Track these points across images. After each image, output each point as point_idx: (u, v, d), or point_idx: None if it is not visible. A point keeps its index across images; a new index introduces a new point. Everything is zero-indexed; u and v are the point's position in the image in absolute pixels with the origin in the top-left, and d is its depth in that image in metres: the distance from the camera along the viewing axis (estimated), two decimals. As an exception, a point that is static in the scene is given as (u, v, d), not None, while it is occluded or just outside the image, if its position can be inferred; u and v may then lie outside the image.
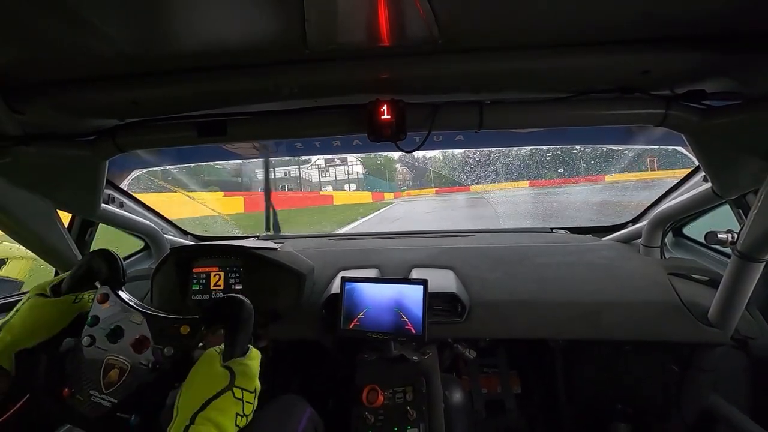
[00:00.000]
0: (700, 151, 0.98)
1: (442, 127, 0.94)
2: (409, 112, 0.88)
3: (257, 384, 0.70)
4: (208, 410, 0.61)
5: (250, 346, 0.72)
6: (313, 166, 20.02)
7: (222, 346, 0.70)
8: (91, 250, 1.49)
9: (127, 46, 0.65)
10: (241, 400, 0.66)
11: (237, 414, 0.64)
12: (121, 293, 0.79)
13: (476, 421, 1.37)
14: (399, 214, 14.73)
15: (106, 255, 0.82)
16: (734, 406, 1.19)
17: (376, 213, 14.39)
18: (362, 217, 12.16)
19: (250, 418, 0.68)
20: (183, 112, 0.93)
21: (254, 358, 0.71)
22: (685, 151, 1.33)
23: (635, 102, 0.87)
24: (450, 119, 0.93)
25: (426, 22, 0.60)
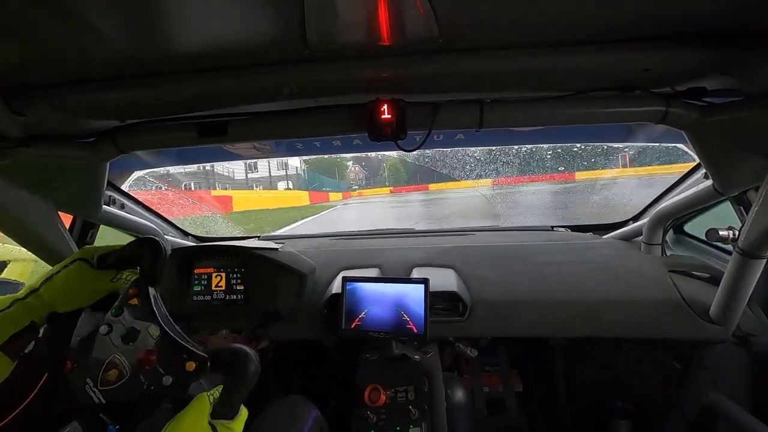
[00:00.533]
0: (701, 149, 0.98)
1: (443, 126, 0.94)
2: (409, 111, 0.88)
3: None
4: None
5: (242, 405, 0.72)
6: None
7: (216, 391, 0.70)
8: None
9: (127, 47, 0.65)
10: None
11: None
12: (151, 294, 0.77)
13: (478, 420, 1.37)
14: (333, 223, 11.78)
15: (153, 246, 0.79)
16: (735, 403, 1.19)
17: (288, 227, 9.71)
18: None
19: None
20: (183, 113, 0.93)
21: (242, 421, 0.72)
22: (685, 148, 1.33)
23: (636, 100, 0.87)
24: (450, 118, 0.93)
25: (426, 22, 0.60)
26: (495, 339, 1.45)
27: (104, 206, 1.30)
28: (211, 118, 0.95)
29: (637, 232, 1.57)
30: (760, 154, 0.87)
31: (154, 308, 0.75)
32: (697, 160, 1.26)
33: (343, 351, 1.48)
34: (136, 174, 1.58)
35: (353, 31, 0.65)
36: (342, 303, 1.25)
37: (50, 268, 0.85)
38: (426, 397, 1.21)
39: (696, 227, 1.59)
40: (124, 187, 1.55)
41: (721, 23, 0.64)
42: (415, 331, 1.18)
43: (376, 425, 1.16)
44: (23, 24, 0.55)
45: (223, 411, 0.68)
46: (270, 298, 1.32)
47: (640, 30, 0.67)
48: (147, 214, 1.67)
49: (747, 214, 0.95)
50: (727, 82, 0.79)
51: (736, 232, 0.97)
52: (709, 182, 1.11)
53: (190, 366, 0.70)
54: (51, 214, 1.12)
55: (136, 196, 1.61)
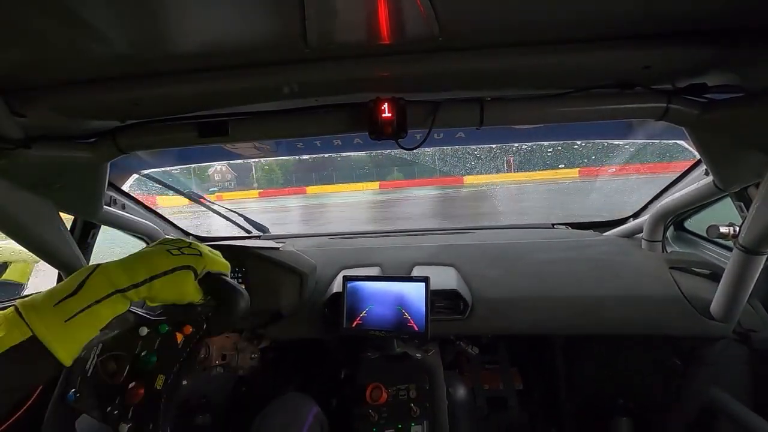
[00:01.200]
0: (702, 145, 0.98)
1: (443, 124, 0.94)
2: (409, 110, 0.88)
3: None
4: None
5: None
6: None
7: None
8: (91, 254, 1.50)
9: (127, 47, 0.65)
10: None
11: None
12: (198, 344, 0.80)
13: (479, 418, 1.37)
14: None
15: (246, 300, 0.78)
16: (736, 400, 1.19)
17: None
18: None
19: None
20: (184, 113, 0.93)
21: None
22: (686, 145, 1.33)
23: (636, 97, 0.87)
24: (451, 116, 0.93)
25: (426, 20, 0.60)
26: (496, 337, 1.45)
27: (105, 207, 1.30)
28: (212, 118, 0.95)
29: (638, 229, 1.57)
30: (761, 150, 0.87)
31: (183, 356, 0.77)
32: (698, 157, 1.26)
33: (344, 350, 1.48)
34: (137, 174, 1.58)
35: (353, 30, 0.65)
36: (343, 302, 1.25)
37: (51, 269, 0.84)
38: (427, 395, 1.21)
39: (696, 224, 1.59)
40: (125, 187, 1.55)
41: (721, 20, 0.64)
42: (416, 329, 1.18)
43: (377, 423, 1.16)
44: (23, 25, 0.55)
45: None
46: (271, 297, 1.32)
47: (641, 27, 0.67)
48: (148, 215, 1.68)
49: (748, 210, 0.95)
50: (728, 79, 0.78)
51: (737, 229, 0.97)
52: (709, 179, 1.11)
53: (187, 329, 0.76)
54: (52, 214, 1.12)
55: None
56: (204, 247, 0.75)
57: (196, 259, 0.72)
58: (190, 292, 0.70)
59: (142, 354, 0.75)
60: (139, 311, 0.78)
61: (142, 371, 0.73)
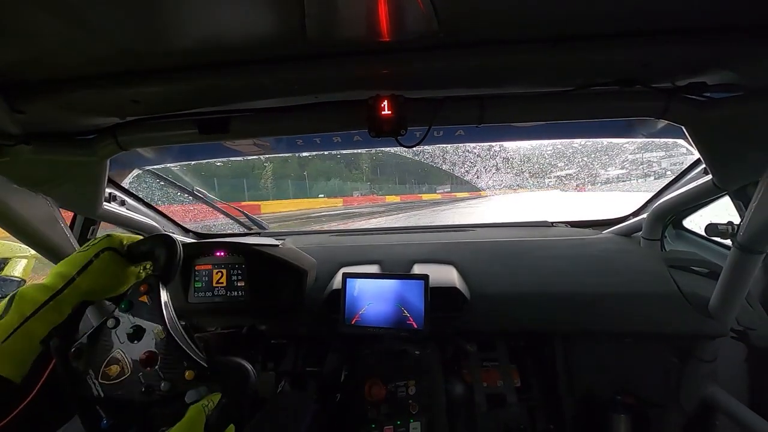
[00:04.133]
0: (701, 143, 0.99)
1: (443, 122, 0.94)
2: (409, 107, 0.88)
3: None
4: None
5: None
6: None
7: (211, 401, 0.69)
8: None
9: (126, 44, 0.65)
10: None
11: None
12: (162, 294, 0.77)
13: (477, 414, 1.38)
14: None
15: (169, 244, 0.79)
16: (733, 397, 1.20)
17: None
18: None
19: None
20: (184, 110, 0.93)
21: None
22: (685, 144, 1.33)
23: (636, 95, 0.87)
24: (451, 114, 0.93)
25: (426, 17, 0.60)
26: (494, 334, 1.46)
27: (105, 203, 1.30)
28: (212, 114, 0.95)
29: (637, 228, 1.58)
30: (760, 149, 0.88)
31: (163, 309, 0.75)
32: (697, 155, 1.26)
33: (343, 346, 1.49)
34: (137, 171, 1.58)
35: (353, 26, 0.65)
36: (342, 299, 1.25)
37: (52, 264, 0.85)
38: (426, 392, 1.22)
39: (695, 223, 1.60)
40: (125, 183, 1.55)
41: (721, 18, 0.64)
42: (415, 326, 1.18)
43: (376, 419, 1.17)
44: (22, 22, 0.55)
45: (217, 426, 0.68)
46: (271, 294, 1.32)
47: (641, 24, 0.67)
48: (148, 211, 1.68)
49: (746, 209, 0.95)
50: (727, 77, 0.79)
51: (735, 227, 0.98)
52: (708, 177, 1.12)
53: (189, 375, 0.70)
54: (52, 211, 1.12)
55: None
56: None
57: (106, 241, 0.77)
58: (118, 272, 0.76)
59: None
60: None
61: None
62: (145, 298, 0.75)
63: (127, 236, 0.82)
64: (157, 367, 0.71)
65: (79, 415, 0.72)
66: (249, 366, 0.75)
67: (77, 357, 0.72)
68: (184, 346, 0.72)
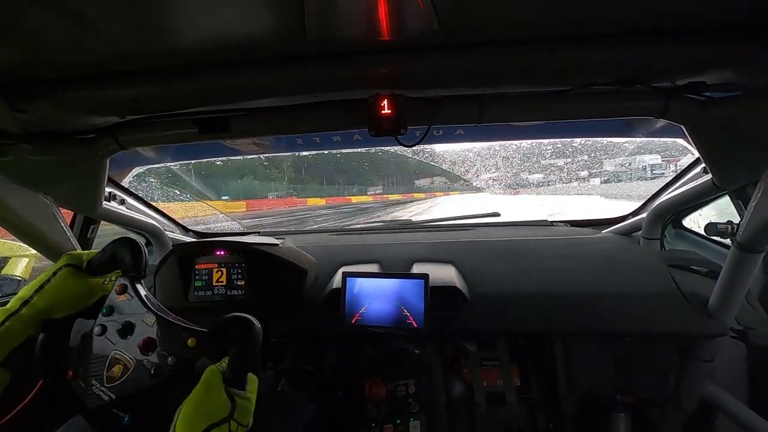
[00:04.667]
0: (700, 143, 0.99)
1: (443, 121, 0.94)
2: (409, 106, 0.88)
3: (251, 421, 0.70)
4: None
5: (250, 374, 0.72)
6: None
7: (224, 362, 0.70)
8: (92, 247, 1.51)
9: (126, 44, 0.65)
10: None
11: None
12: (139, 288, 0.78)
13: (477, 413, 1.38)
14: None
15: (131, 245, 0.80)
16: (733, 396, 1.20)
17: None
18: None
19: None
20: (184, 109, 0.93)
21: (254, 391, 0.71)
22: (685, 143, 1.33)
23: (636, 94, 0.87)
24: (450, 113, 0.93)
25: (426, 16, 0.60)
26: (494, 333, 1.46)
27: (104, 202, 1.30)
28: (212, 114, 0.95)
29: (636, 227, 1.58)
30: (760, 148, 0.88)
31: (146, 300, 0.76)
32: (697, 155, 1.26)
33: (343, 345, 1.49)
34: (136, 170, 1.58)
35: (353, 25, 0.65)
36: (342, 298, 1.25)
37: (52, 263, 0.86)
38: (426, 391, 1.22)
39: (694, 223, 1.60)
40: (125, 183, 1.55)
41: (721, 17, 0.64)
42: (415, 325, 1.18)
43: (376, 418, 1.17)
44: (23, 21, 0.55)
45: (235, 377, 0.68)
46: (271, 293, 1.33)
47: (641, 24, 0.67)
48: (147, 210, 1.68)
49: (746, 208, 0.95)
50: (727, 77, 0.79)
51: (735, 227, 0.98)
52: (708, 177, 1.12)
53: (192, 342, 0.71)
54: (52, 210, 1.12)
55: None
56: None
57: (65, 258, 0.81)
58: (79, 286, 0.79)
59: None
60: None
61: None
62: (124, 297, 0.77)
63: (88, 252, 0.84)
64: (158, 348, 0.72)
65: (95, 425, 0.73)
66: (248, 316, 0.74)
67: (74, 377, 0.72)
68: (177, 322, 0.74)
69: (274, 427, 1.04)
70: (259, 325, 0.74)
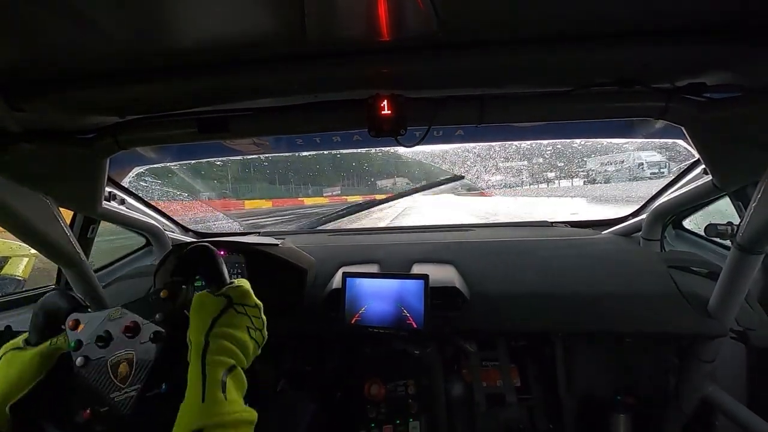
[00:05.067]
0: (700, 144, 0.99)
1: (443, 121, 0.94)
2: (409, 106, 0.88)
3: (257, 301, 0.74)
4: (217, 328, 0.64)
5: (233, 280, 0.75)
6: None
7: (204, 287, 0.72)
8: (91, 249, 1.50)
9: (126, 43, 0.65)
10: (246, 314, 0.69)
11: (248, 327, 0.68)
12: (89, 312, 0.77)
13: (477, 414, 1.38)
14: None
15: (59, 294, 0.80)
16: (732, 397, 1.20)
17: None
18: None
19: (265, 333, 0.75)
20: (184, 109, 0.93)
21: (242, 282, 0.75)
22: (684, 144, 1.33)
23: (635, 95, 0.87)
24: (450, 114, 0.93)
25: (426, 16, 0.60)
26: (494, 334, 1.46)
27: (104, 202, 1.30)
28: (212, 114, 0.95)
29: (637, 228, 1.58)
30: (760, 149, 0.88)
31: (99, 309, 0.77)
32: (697, 156, 1.26)
33: (343, 346, 1.49)
34: (136, 170, 1.58)
35: (353, 26, 0.65)
36: (342, 298, 1.25)
37: (51, 264, 0.84)
38: (425, 391, 1.22)
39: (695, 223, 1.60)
40: (125, 182, 1.55)
41: (720, 18, 0.64)
42: (415, 326, 1.18)
43: (376, 419, 1.17)
44: (23, 20, 0.55)
45: (217, 286, 0.72)
46: (271, 293, 1.32)
47: (641, 25, 0.67)
48: (147, 210, 1.68)
49: (746, 209, 0.95)
50: (727, 78, 0.79)
51: (735, 228, 0.98)
52: (708, 178, 1.12)
53: (165, 294, 0.73)
54: (51, 209, 1.12)
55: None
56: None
57: (3, 349, 0.77)
58: (23, 362, 0.74)
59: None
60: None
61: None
62: (81, 327, 0.75)
63: (23, 334, 0.80)
64: (142, 325, 0.72)
65: (142, 416, 0.71)
66: (201, 244, 0.79)
67: (92, 415, 0.69)
68: (141, 297, 0.75)
69: (274, 427, 1.04)
70: (211, 246, 0.78)
